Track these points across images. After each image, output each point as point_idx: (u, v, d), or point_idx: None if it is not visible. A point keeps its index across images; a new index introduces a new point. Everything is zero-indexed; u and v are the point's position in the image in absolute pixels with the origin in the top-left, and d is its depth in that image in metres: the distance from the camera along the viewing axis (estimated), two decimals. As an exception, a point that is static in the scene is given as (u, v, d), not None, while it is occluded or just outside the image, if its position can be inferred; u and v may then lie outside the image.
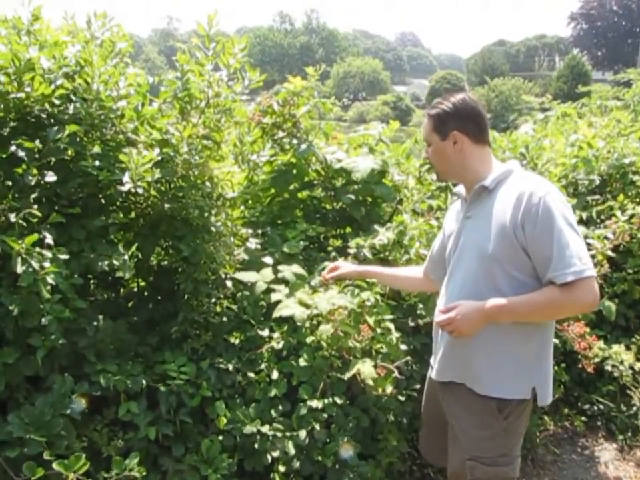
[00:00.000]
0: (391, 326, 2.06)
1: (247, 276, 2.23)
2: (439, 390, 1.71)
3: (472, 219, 1.59)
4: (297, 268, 2.25)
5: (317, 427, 1.95)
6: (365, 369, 1.90)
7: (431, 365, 1.80)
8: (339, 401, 2.03)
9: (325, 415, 1.99)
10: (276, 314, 2.00)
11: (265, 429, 1.93)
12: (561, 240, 1.39)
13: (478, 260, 1.52)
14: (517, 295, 1.45)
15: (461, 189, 1.70)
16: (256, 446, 1.91)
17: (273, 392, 2.02)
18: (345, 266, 2.03)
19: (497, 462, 1.56)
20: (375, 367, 1.93)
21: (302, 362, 2.06)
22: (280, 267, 2.25)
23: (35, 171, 1.72)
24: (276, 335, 2.19)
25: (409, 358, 2.11)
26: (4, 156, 1.74)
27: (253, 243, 2.40)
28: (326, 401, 2.00)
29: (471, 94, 1.61)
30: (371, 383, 1.88)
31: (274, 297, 2.08)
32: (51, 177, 1.72)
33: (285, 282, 2.20)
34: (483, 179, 1.55)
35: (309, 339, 2.10)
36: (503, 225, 1.46)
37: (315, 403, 1.98)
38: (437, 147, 1.60)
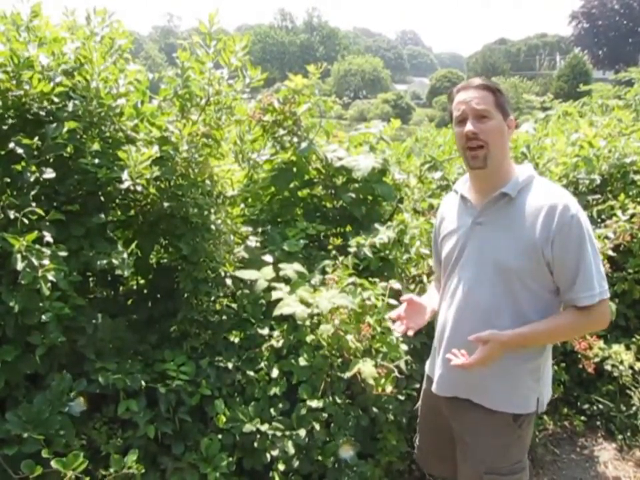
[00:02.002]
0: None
1: (247, 274, 2.23)
2: (444, 404, 1.64)
3: (484, 226, 1.48)
4: (298, 266, 2.25)
5: (317, 426, 1.95)
6: (366, 368, 1.90)
7: (427, 375, 1.74)
8: (338, 400, 2.03)
9: (325, 414, 1.99)
10: (277, 312, 2.00)
11: (265, 427, 1.93)
12: (587, 261, 1.37)
13: (495, 273, 1.44)
14: (535, 309, 1.43)
15: (461, 187, 1.59)
16: (255, 445, 1.91)
17: (273, 391, 2.01)
18: (422, 308, 1.67)
19: (513, 470, 1.53)
20: (375, 366, 1.93)
21: (302, 361, 2.06)
22: (281, 265, 2.25)
23: (33, 168, 1.71)
24: (276, 333, 2.18)
25: (408, 357, 2.10)
26: (2, 153, 1.74)
27: (252, 241, 2.40)
28: (326, 400, 2.00)
29: None
30: (371, 382, 1.87)
31: (275, 294, 2.08)
32: (49, 174, 1.72)
33: (285, 280, 2.19)
34: (504, 180, 1.45)
35: (308, 338, 2.10)
36: (531, 240, 1.38)
37: (315, 402, 1.97)
38: (498, 124, 1.42)
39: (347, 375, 1.95)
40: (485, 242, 1.47)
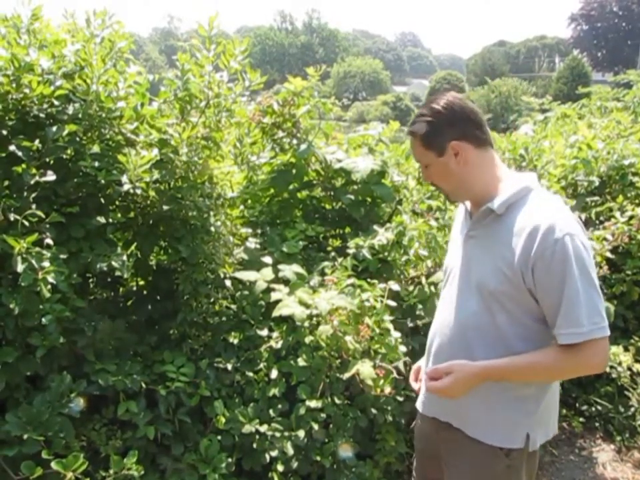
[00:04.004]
0: (390, 327, 2.06)
1: (246, 275, 2.24)
2: (431, 424, 1.51)
3: (475, 240, 1.38)
4: (297, 268, 2.26)
5: (316, 426, 1.96)
6: (364, 369, 1.90)
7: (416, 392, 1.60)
8: (337, 401, 2.04)
9: (324, 415, 1.99)
10: (276, 313, 2.00)
11: (264, 428, 1.93)
12: (573, 293, 1.18)
13: (477, 294, 1.33)
14: (519, 337, 1.29)
15: None
16: (254, 445, 1.92)
17: (272, 391, 2.02)
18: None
19: None
20: (374, 367, 1.93)
21: (301, 362, 2.06)
22: (280, 267, 2.25)
23: (34, 171, 1.72)
24: (275, 334, 2.19)
25: (407, 358, 2.11)
26: (3, 155, 1.75)
27: (252, 243, 2.41)
28: (324, 401, 2.01)
29: (453, 92, 1.35)
30: (370, 383, 1.88)
31: (274, 295, 2.08)
32: (50, 177, 1.72)
33: (284, 282, 2.20)
34: (492, 195, 1.32)
35: (307, 339, 2.10)
36: (510, 263, 1.24)
37: (314, 403, 1.98)
38: (437, 166, 1.34)
39: (346, 375, 1.95)
40: (472, 257, 1.38)
